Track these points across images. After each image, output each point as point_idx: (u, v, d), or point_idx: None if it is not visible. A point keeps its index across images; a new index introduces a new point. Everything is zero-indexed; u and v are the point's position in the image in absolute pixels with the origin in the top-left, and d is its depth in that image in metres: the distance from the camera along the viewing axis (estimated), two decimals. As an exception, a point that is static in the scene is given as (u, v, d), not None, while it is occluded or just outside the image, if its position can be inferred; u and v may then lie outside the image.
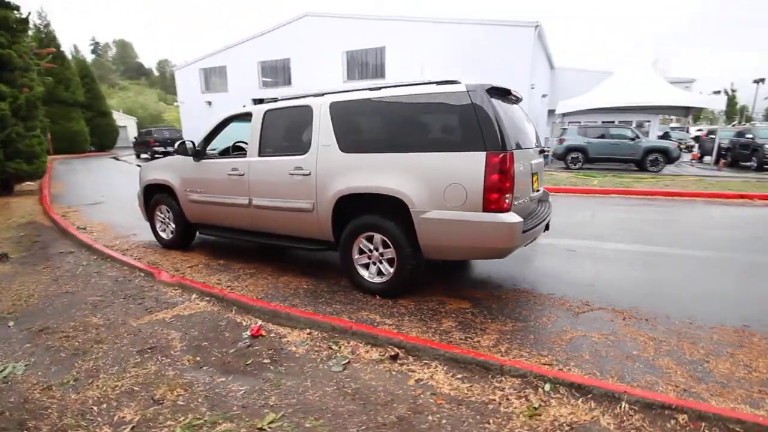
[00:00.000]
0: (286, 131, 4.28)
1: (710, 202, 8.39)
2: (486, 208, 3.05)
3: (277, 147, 4.23)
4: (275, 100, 4.48)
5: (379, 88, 3.67)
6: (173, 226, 5.20)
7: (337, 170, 3.65)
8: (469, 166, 3.06)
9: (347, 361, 2.56)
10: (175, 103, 29.08)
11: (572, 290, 3.72)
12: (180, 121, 26.13)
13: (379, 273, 3.65)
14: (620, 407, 2.05)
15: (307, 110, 3.95)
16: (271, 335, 2.93)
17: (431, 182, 3.20)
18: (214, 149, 5.17)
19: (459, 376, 2.37)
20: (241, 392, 2.26)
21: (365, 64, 19.72)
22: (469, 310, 3.35)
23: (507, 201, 3.05)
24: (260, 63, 22.21)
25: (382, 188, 3.38)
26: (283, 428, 1.95)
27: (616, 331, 2.98)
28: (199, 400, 2.18)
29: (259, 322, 3.07)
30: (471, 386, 2.28)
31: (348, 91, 3.89)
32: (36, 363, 2.53)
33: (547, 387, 2.21)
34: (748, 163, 14.35)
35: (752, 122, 29.10)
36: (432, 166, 3.21)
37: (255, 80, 22.47)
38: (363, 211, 3.63)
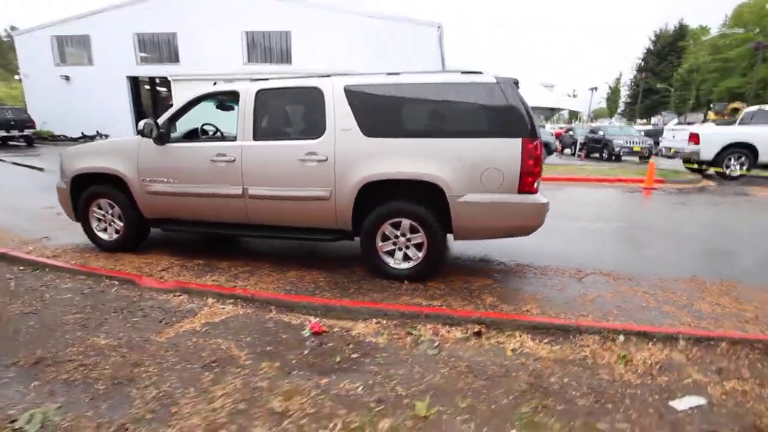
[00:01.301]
0: (289, 114, 3.92)
1: (604, 185, 10.26)
2: (521, 190, 3.33)
3: (278, 131, 3.86)
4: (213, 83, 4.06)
5: (398, 74, 3.64)
6: (120, 224, 4.30)
7: (360, 155, 3.52)
8: (506, 152, 3.29)
9: (437, 343, 2.57)
10: (17, 77, 23.15)
11: (557, 261, 4.25)
12: (24, 99, 20.91)
13: (405, 258, 3.67)
14: (680, 345, 2.53)
15: (315, 92, 3.69)
16: (335, 330, 2.74)
17: (468, 167, 3.34)
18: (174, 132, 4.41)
19: (545, 341, 2.61)
20: (360, 388, 2.11)
21: (268, 48, 18.54)
22: (495, 286, 3.62)
23: (537, 184, 3.37)
24: (137, 35, 19.12)
25: (418, 174, 3.40)
26: (442, 413, 1.91)
27: (617, 290, 3.57)
28: (327, 403, 1.97)
29: (313, 319, 2.84)
30: (561, 348, 2.53)
31: (357, 74, 3.75)
32: (70, 403, 1.93)
33: (621, 338, 2.59)
34: (599, 155, 17.87)
35: (601, 120, 35.89)
36: (469, 151, 3.34)
37: (130, 55, 19.30)
38: (386, 197, 3.58)
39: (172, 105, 26.74)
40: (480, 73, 3.52)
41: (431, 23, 17.36)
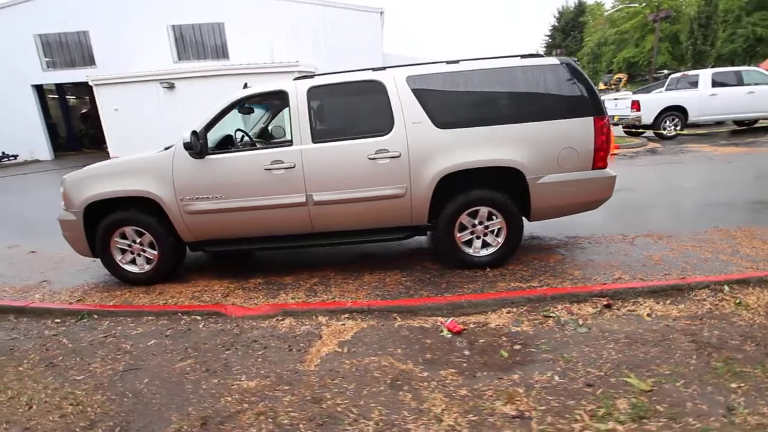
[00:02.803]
0: (348, 111, 3.69)
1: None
2: (594, 167, 3.49)
3: (338, 130, 3.61)
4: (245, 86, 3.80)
5: (457, 62, 3.59)
6: (152, 252, 3.79)
7: (435, 148, 3.45)
8: (580, 131, 3.42)
9: (580, 322, 2.66)
10: None
11: (589, 229, 4.53)
12: None
13: (484, 246, 3.70)
14: (775, 286, 2.88)
15: (376, 86, 3.53)
16: (471, 326, 2.71)
17: (545, 149, 3.43)
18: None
19: (668, 302, 2.81)
20: (557, 376, 2.12)
21: (200, 43, 17.07)
22: (569, 260, 3.80)
23: (607, 158, 3.56)
24: (39, 36, 16.52)
25: (498, 160, 3.42)
26: (658, 383, 2.00)
27: (670, 248, 3.93)
28: (547, 397, 1.96)
29: (444, 319, 2.77)
30: (686, 305, 2.75)
31: (415, 64, 3.65)
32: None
33: (727, 288, 2.88)
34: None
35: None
36: (544, 134, 3.43)
37: (33, 60, 16.62)
38: (461, 188, 3.56)
39: (87, 114, 23.88)
40: (539, 55, 3.60)
41: (373, 9, 17.18)
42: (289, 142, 3.57)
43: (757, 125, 13.02)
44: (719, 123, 13.38)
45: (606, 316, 2.72)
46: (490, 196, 3.53)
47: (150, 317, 3.06)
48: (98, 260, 3.88)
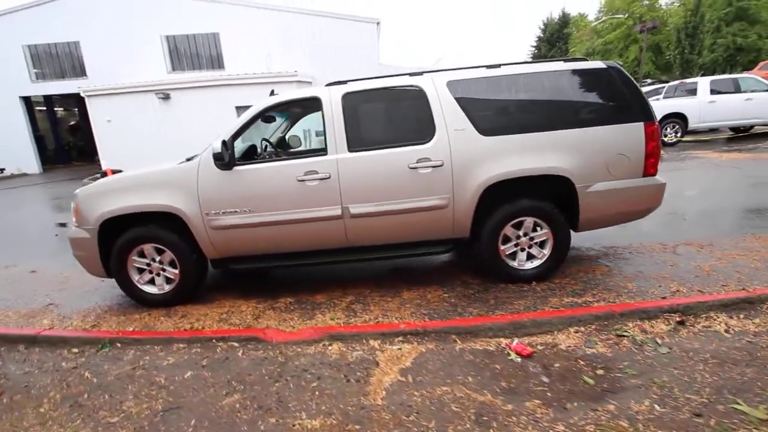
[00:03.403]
0: (386, 118, 3.49)
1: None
2: (645, 174, 3.35)
3: (376, 138, 3.41)
4: (272, 92, 3.61)
5: (498, 66, 3.44)
6: (173, 271, 3.51)
7: (479, 156, 3.27)
8: (630, 137, 3.28)
9: (658, 341, 2.47)
10: None
11: (626, 238, 4.38)
12: None
13: (528, 258, 3.51)
14: None
15: (415, 91, 3.35)
16: (539, 348, 2.50)
17: (594, 156, 3.27)
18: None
19: (741, 316, 2.65)
20: (656, 405, 1.92)
21: (195, 53, 16.80)
22: (616, 272, 3.63)
23: (657, 165, 3.42)
24: (28, 47, 16.06)
25: (547, 168, 3.25)
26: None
27: (716, 256, 3.78)
28: (657, 431, 1.76)
29: (510, 341, 2.55)
30: (760, 320, 2.60)
31: (454, 69, 3.49)
32: None
33: (798, 299, 2.73)
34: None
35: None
36: (594, 140, 3.27)
37: (22, 71, 16.17)
38: (505, 197, 3.38)
39: (75, 126, 23.44)
40: (584, 59, 3.46)
41: (370, 19, 17.17)
42: (323, 152, 3.35)
43: (754, 131, 13.22)
44: (713, 130, 13.61)
45: (682, 333, 2.53)
46: (536, 205, 3.35)
47: (181, 344, 2.77)
48: (107, 280, 3.59)
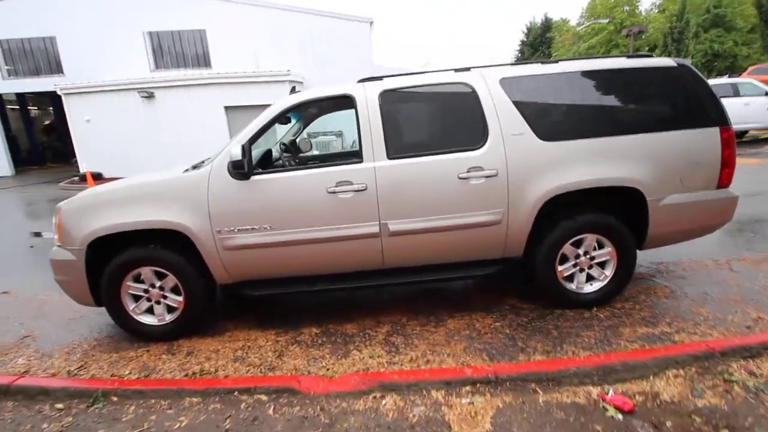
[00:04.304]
0: (430, 120, 3.03)
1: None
2: (719, 185, 2.98)
3: (420, 143, 2.95)
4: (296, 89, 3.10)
5: (556, 61, 3.03)
6: (177, 298, 2.97)
7: (539, 164, 2.84)
8: (705, 144, 2.91)
9: (775, 387, 2.07)
10: None
11: (669, 254, 4.00)
12: None
13: (588, 280, 3.10)
14: None
15: (464, 89, 2.91)
16: (638, 398, 2.07)
17: (667, 165, 2.89)
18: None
19: None
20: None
21: (180, 51, 15.98)
22: (680, 294, 3.25)
23: (732, 176, 3.05)
24: (-1, 42, 15.00)
25: (616, 179, 2.84)
26: None
27: (781, 273, 3.47)
28: None
29: (605, 391, 2.12)
30: None
31: (506, 65, 3.06)
32: None
33: None
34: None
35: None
36: (666, 147, 2.89)
37: (-9, 67, 15.08)
38: (564, 211, 2.96)
39: (50, 126, 22.23)
40: (648, 55, 3.08)
41: (363, 19, 16.70)
42: (358, 159, 2.87)
43: (750, 136, 13.29)
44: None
45: (802, 375, 2.15)
46: (602, 221, 2.94)
47: (194, 398, 2.24)
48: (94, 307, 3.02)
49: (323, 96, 3.01)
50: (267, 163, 3.31)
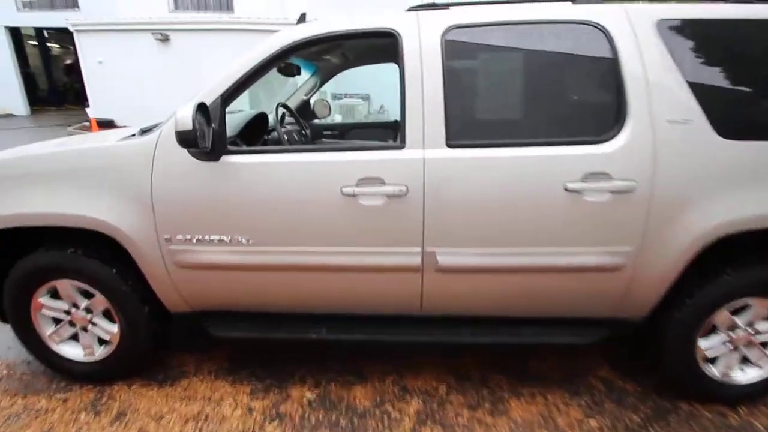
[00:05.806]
0: (524, 86, 1.83)
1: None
2: None
3: (502, 126, 1.78)
4: None
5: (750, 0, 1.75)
6: (110, 327, 1.98)
7: (713, 176, 1.64)
8: None
9: None
10: None
11: None
12: None
13: (742, 363, 1.95)
14: None
15: (589, 36, 1.68)
16: None
17: None
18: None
19: None
20: None
21: (202, -10, 14.58)
22: None
23: None
24: (12, -32, 13.96)
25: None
26: None
27: None
28: None
29: None
30: None
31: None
32: None
33: None
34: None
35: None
36: None
37: (5, -2, 14.13)
38: (722, 257, 1.78)
39: (71, 66, 21.58)
40: None
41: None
42: (396, 143, 1.73)
43: None
44: None
45: None
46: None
47: None
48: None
49: (345, 31, 1.80)
50: (256, 135, 2.20)
